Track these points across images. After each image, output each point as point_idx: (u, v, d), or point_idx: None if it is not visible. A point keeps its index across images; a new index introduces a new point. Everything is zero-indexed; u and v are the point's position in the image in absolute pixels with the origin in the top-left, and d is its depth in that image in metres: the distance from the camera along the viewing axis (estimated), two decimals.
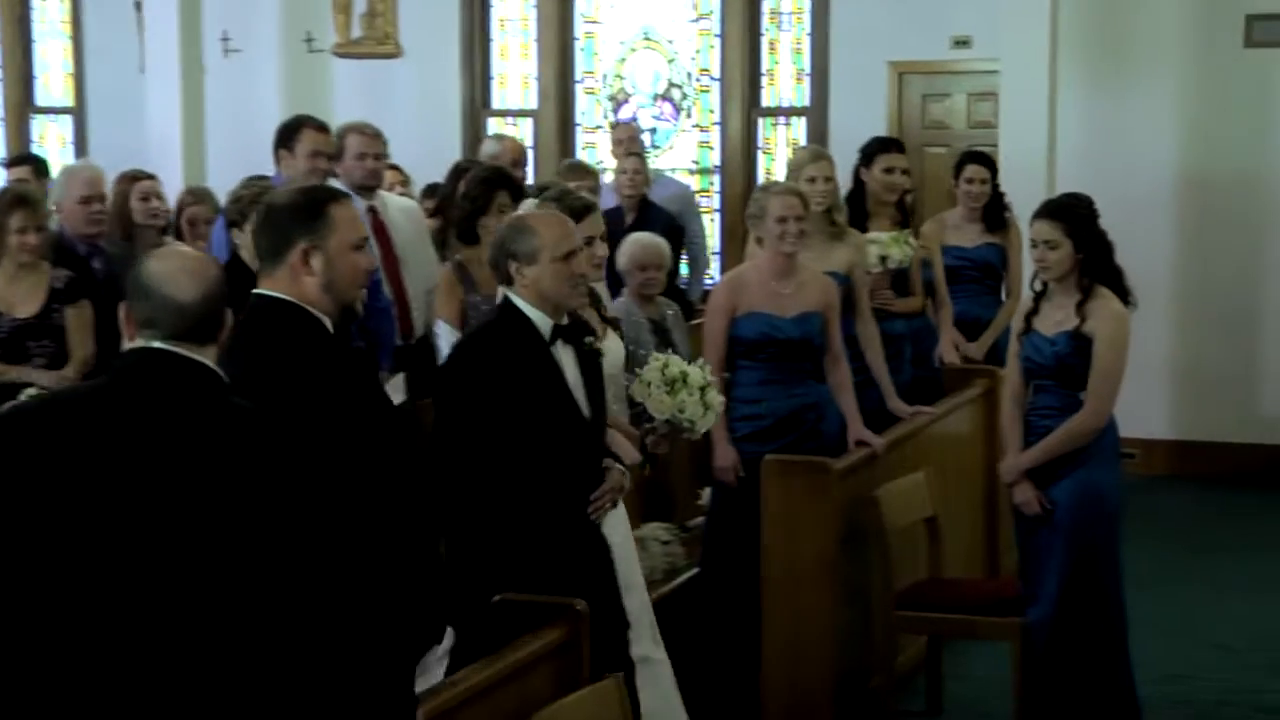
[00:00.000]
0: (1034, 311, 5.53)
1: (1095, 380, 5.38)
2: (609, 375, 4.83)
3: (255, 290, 3.53)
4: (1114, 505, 5.47)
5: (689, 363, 5.40)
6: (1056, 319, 5.44)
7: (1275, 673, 6.40)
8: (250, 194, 5.87)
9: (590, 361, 4.54)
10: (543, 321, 4.44)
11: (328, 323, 3.50)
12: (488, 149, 7.94)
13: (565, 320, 4.50)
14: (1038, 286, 5.56)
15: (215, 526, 2.83)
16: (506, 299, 4.48)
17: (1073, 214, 5.43)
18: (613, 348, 5.16)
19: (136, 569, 2.79)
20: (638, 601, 4.78)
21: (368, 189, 6.62)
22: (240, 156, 9.37)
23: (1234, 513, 9.02)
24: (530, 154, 10.12)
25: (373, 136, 6.64)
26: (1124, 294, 5.47)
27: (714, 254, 10.60)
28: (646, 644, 4.80)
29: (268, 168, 6.88)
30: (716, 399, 5.20)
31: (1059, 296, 5.46)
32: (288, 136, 6.69)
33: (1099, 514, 5.42)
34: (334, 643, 3.00)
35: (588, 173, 7.91)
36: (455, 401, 4.42)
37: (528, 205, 5.32)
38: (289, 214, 3.54)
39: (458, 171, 7.25)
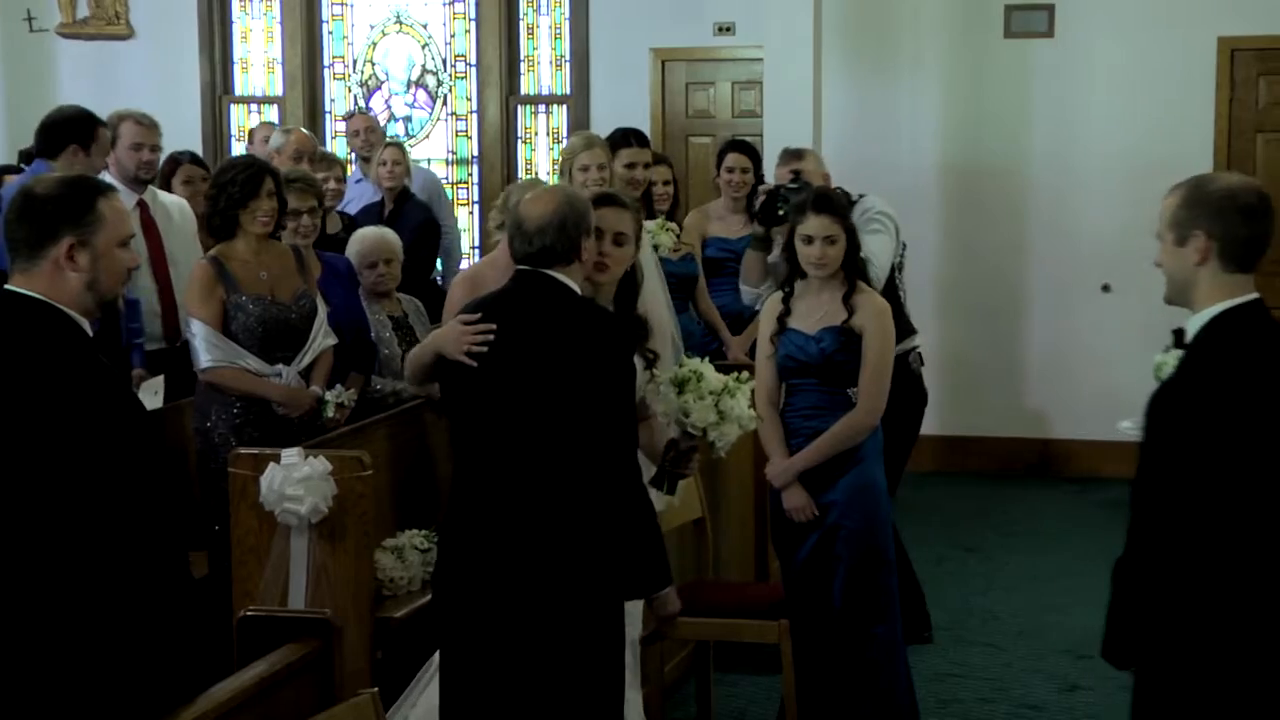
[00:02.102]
0: (787, 311, 5.55)
1: (869, 376, 5.44)
2: None
3: (5, 287, 3.50)
4: (888, 502, 5.58)
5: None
6: (818, 316, 5.48)
7: (1037, 668, 6.68)
8: None
9: None
10: None
11: (85, 325, 3.50)
12: (274, 141, 7.98)
13: None
14: (787, 286, 5.58)
15: None
16: (559, 282, 4.37)
17: (843, 207, 5.52)
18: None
19: None
20: (628, 639, 4.66)
21: (140, 181, 6.65)
22: None
23: (1001, 507, 9.36)
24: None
25: (149, 127, 6.76)
26: (870, 286, 5.63)
27: (474, 248, 10.64)
28: (631, 686, 4.72)
29: None
30: (737, 406, 4.66)
31: (818, 293, 5.50)
32: (87, 133, 6.59)
33: (877, 512, 5.50)
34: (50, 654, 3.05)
35: (334, 162, 8.00)
36: None
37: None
38: (55, 206, 3.50)
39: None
